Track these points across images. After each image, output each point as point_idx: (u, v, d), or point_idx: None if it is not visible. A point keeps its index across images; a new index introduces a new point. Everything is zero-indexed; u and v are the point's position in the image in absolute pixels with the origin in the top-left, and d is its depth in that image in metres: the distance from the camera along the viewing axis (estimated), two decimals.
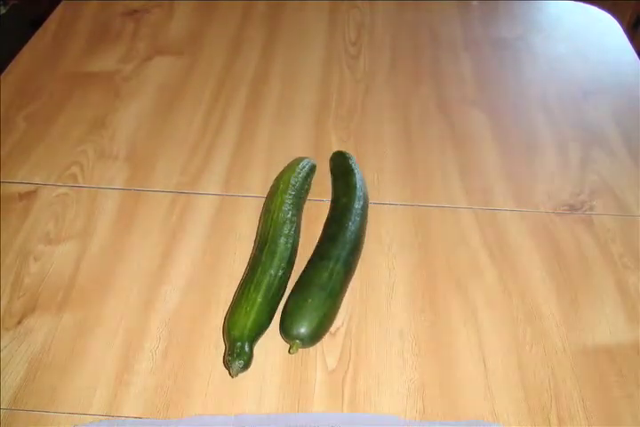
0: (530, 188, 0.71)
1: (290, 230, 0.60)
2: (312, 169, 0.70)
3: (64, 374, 0.52)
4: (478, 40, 0.96)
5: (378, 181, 0.71)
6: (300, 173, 0.67)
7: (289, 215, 0.62)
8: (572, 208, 0.69)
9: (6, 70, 0.86)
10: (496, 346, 0.55)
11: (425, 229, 0.66)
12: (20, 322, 0.56)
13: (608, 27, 1.02)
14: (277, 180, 0.67)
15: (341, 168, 0.70)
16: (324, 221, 0.64)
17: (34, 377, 0.52)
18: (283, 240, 0.59)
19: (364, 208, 0.64)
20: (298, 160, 0.70)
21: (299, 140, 0.77)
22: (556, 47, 0.96)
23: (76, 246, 0.63)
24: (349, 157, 0.71)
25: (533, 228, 0.67)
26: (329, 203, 0.67)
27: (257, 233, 0.62)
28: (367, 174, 0.72)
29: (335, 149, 0.75)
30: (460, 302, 0.59)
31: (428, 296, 0.59)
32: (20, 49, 0.90)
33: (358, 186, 0.66)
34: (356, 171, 0.68)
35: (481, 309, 0.58)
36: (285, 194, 0.64)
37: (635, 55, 0.94)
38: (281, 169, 0.69)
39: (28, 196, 0.68)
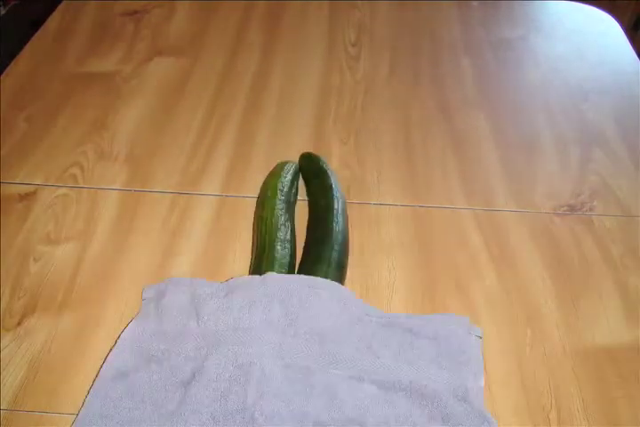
0: (530, 188, 0.71)
1: (285, 235, 0.60)
2: (296, 172, 0.70)
3: (64, 375, 0.52)
4: (478, 40, 0.96)
5: (378, 182, 0.71)
6: (285, 176, 0.67)
7: (282, 220, 0.62)
8: (573, 209, 0.69)
9: (6, 70, 0.86)
10: (496, 346, 0.55)
11: (425, 229, 0.66)
12: (20, 323, 0.56)
13: (608, 27, 1.02)
14: (264, 186, 0.67)
15: (313, 169, 0.70)
16: None
17: (34, 378, 0.52)
18: (280, 246, 0.59)
19: (344, 208, 0.65)
20: (281, 164, 0.70)
21: (299, 140, 0.77)
22: (556, 47, 0.96)
23: (76, 247, 0.63)
24: (319, 158, 0.71)
25: (533, 228, 0.67)
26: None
27: (253, 241, 0.62)
28: (367, 174, 0.72)
29: (335, 149, 0.75)
30: (460, 302, 0.59)
31: (428, 296, 0.59)
32: (20, 49, 0.90)
33: (334, 186, 0.66)
34: (329, 171, 0.68)
35: (481, 309, 0.58)
36: (275, 199, 0.64)
37: (634, 55, 0.94)
38: None
39: (28, 196, 0.68)
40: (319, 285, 0.55)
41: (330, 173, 0.68)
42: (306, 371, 0.50)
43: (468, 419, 0.47)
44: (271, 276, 0.56)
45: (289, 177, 0.68)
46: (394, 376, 0.50)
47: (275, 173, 0.68)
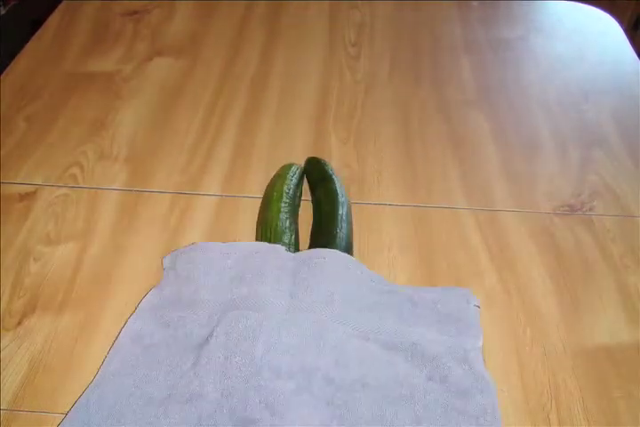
0: (530, 188, 0.71)
1: (290, 238, 0.61)
2: (302, 175, 0.70)
3: (64, 375, 0.52)
4: (478, 40, 0.96)
5: (378, 182, 0.71)
6: (291, 179, 0.67)
7: (287, 223, 0.62)
8: (572, 209, 0.69)
9: (6, 70, 0.86)
10: (496, 346, 0.55)
11: (425, 229, 0.66)
12: (20, 322, 0.56)
13: (608, 27, 1.02)
14: (270, 187, 0.67)
15: (318, 174, 0.69)
16: None
17: (34, 378, 0.52)
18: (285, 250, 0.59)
19: (348, 213, 0.65)
20: (287, 167, 0.69)
21: (299, 140, 0.77)
22: (556, 47, 0.96)
23: (76, 247, 0.63)
24: (325, 163, 0.71)
25: (533, 228, 0.67)
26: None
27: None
28: (367, 175, 0.72)
29: (335, 149, 0.75)
30: None
31: None
32: (20, 49, 0.90)
33: (339, 192, 0.66)
34: (334, 177, 0.68)
35: (481, 309, 0.58)
36: (280, 202, 0.64)
37: (634, 55, 0.94)
38: None
39: (28, 196, 0.68)
40: (326, 254, 0.58)
41: (335, 179, 0.68)
42: (318, 326, 0.52)
43: (467, 380, 0.49)
44: (286, 254, 0.59)
45: (295, 180, 0.67)
46: (397, 337, 0.53)
47: (281, 175, 0.68)
